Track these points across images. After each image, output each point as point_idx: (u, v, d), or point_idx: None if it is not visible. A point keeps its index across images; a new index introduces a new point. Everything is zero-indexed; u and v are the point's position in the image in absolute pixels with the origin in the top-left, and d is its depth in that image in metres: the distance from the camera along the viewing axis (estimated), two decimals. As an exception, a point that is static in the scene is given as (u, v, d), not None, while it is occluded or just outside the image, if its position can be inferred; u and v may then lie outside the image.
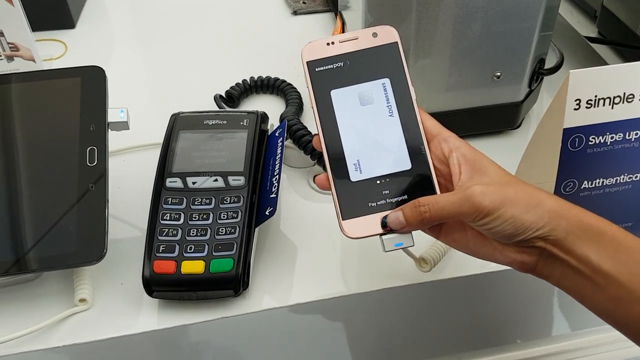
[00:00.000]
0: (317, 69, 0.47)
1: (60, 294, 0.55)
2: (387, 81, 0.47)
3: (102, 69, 0.59)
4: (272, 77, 0.75)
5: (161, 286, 0.52)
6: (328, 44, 0.47)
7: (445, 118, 0.67)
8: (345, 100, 0.46)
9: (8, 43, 0.75)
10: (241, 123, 0.59)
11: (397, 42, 0.47)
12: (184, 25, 0.92)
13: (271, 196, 0.54)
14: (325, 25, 0.88)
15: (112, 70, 0.85)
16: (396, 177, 0.46)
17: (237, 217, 0.53)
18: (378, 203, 0.45)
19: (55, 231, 0.52)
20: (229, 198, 0.54)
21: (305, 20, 0.90)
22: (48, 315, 0.52)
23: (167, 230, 0.53)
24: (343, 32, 0.75)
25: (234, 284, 0.51)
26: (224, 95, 0.74)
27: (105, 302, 0.54)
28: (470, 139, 0.69)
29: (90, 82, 0.58)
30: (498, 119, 0.70)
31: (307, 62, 0.47)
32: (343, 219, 0.45)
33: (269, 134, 0.60)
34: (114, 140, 0.67)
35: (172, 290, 0.52)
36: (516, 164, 0.60)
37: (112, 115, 0.56)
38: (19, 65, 0.76)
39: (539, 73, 0.67)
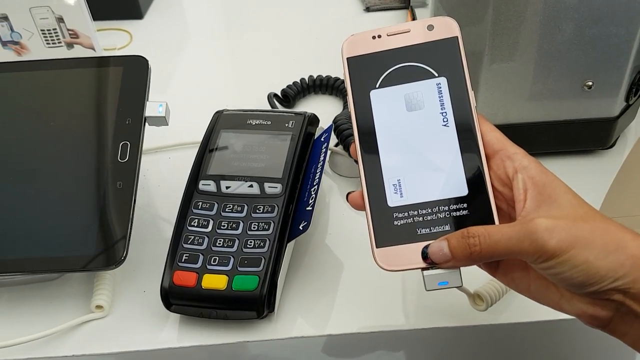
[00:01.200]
0: (358, 66, 0.40)
1: (80, 297, 0.51)
2: (443, 81, 0.39)
3: (146, 59, 0.55)
4: (333, 76, 0.69)
5: (180, 300, 0.47)
6: (374, 37, 0.40)
7: (525, 131, 0.59)
8: (387, 103, 0.39)
9: (68, 30, 0.74)
10: (286, 125, 0.53)
11: (457, 36, 0.40)
12: (255, 20, 0.87)
13: (307, 209, 0.48)
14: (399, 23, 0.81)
15: (174, 63, 0.84)
16: (446, 204, 0.38)
17: (268, 229, 0.48)
18: (421, 231, 0.37)
19: (74, 230, 0.48)
20: (262, 207, 0.49)
21: (378, 17, 0.84)
22: (63, 319, 0.49)
23: (192, 237, 0.48)
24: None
25: (257, 305, 0.45)
26: (279, 94, 0.68)
27: (124, 311, 0.50)
28: (552, 158, 0.60)
29: (133, 72, 0.54)
30: (587, 137, 0.61)
31: (347, 59, 0.41)
32: (377, 247, 0.38)
33: (315, 138, 0.54)
34: (166, 135, 0.65)
35: (191, 306, 0.47)
36: (605, 191, 0.51)
37: (150, 110, 0.52)
38: (79, 53, 0.75)
39: (638, 85, 0.57)
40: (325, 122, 0.58)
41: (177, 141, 0.64)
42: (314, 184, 0.49)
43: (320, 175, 0.49)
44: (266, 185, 0.50)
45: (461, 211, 0.37)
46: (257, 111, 0.55)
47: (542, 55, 0.55)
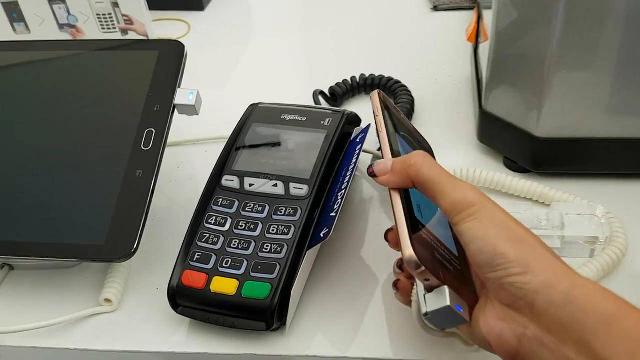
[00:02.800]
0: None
1: (94, 288, 0.49)
2: None
3: (182, 44, 0.52)
4: (386, 76, 0.64)
5: (187, 302, 0.43)
6: None
7: (594, 148, 0.52)
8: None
9: (123, 15, 0.73)
10: (322, 122, 0.49)
11: None
12: (319, 17, 0.84)
13: (331, 214, 0.43)
14: (467, 24, 0.75)
15: (231, 56, 0.82)
16: None
17: (287, 234, 0.43)
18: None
19: (86, 217, 0.46)
20: (284, 209, 0.45)
21: (446, 17, 0.78)
22: (71, 310, 0.46)
23: (208, 235, 0.45)
24: (478, 28, 0.61)
25: (266, 315, 0.41)
26: (326, 91, 0.64)
27: (134, 307, 0.47)
28: (625, 181, 0.53)
29: (168, 58, 0.52)
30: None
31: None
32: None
33: (351, 139, 0.50)
34: (207, 128, 0.62)
35: (199, 309, 0.43)
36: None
37: (180, 97, 0.50)
38: (132, 41, 0.73)
39: None
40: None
41: (215, 134, 0.61)
42: (342, 187, 0.44)
43: (350, 178, 0.45)
44: (292, 185, 0.46)
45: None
46: (293, 106, 0.51)
47: (624, 63, 0.47)
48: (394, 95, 0.62)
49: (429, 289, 0.35)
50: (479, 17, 0.65)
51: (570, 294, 0.31)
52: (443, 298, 0.34)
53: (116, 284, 0.47)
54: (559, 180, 0.53)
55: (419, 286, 0.36)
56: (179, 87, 0.50)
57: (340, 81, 0.65)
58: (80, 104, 0.51)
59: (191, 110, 0.50)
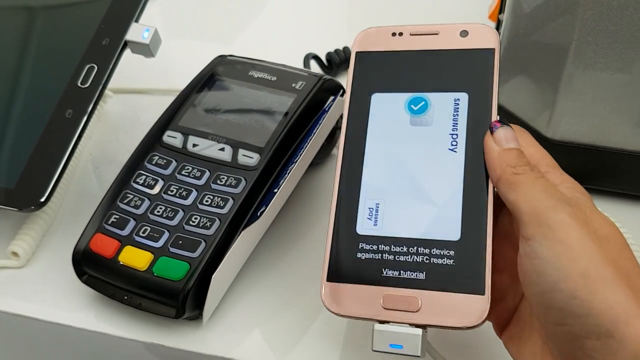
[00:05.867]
0: (367, 64, 0.33)
1: (4, 238, 0.42)
2: (463, 97, 0.31)
3: (149, -23, 0.45)
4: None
5: (93, 270, 0.36)
6: (394, 34, 0.34)
7: (615, 160, 0.43)
8: (388, 111, 0.32)
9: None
10: (293, 85, 0.42)
11: (493, 49, 0.32)
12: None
13: (274, 190, 0.36)
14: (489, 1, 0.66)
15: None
16: (428, 247, 0.29)
17: (223, 208, 0.36)
18: (387, 273, 0.29)
19: (1, 157, 0.39)
20: (226, 178, 0.37)
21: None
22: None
23: (132, 197, 0.38)
24: (502, 6, 0.53)
25: (177, 300, 0.34)
26: (322, 57, 0.56)
27: (45, 267, 0.41)
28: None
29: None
30: None
31: (357, 53, 0.34)
32: (327, 279, 0.29)
33: (324, 108, 0.42)
34: (169, 76, 0.55)
35: (104, 282, 0.36)
36: None
37: (134, 33, 0.42)
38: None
39: None
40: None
41: (177, 87, 0.54)
42: (294, 160, 0.37)
43: (304, 151, 0.37)
44: (241, 152, 0.38)
45: (444, 259, 0.28)
46: (266, 63, 0.44)
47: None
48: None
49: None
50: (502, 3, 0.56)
51: None
52: (413, 346, 0.27)
53: (28, 237, 0.41)
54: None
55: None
56: (136, 21, 0.43)
57: (340, 48, 0.57)
58: (22, 30, 0.44)
59: (145, 50, 0.43)
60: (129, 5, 0.43)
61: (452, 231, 0.29)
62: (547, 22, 0.41)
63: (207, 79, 0.43)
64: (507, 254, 0.29)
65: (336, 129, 0.43)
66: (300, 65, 0.55)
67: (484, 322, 0.27)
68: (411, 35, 0.33)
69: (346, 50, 0.57)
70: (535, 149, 0.30)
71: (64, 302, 0.39)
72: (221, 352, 0.36)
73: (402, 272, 0.28)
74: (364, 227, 0.30)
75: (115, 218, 0.37)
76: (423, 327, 0.27)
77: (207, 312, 0.36)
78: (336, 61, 0.56)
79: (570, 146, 0.43)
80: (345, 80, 0.42)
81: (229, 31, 0.65)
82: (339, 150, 0.32)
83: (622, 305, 0.23)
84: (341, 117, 0.34)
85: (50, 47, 0.43)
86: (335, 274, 0.29)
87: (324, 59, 0.57)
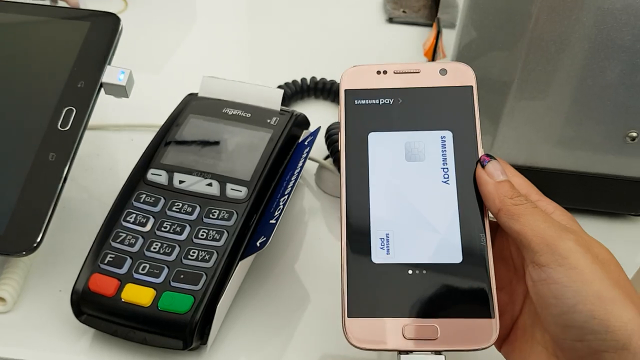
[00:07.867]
0: (356, 102, 0.35)
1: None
2: (448, 135, 0.34)
3: (118, 17, 0.46)
4: (337, 82, 0.60)
5: (93, 310, 0.37)
6: (379, 72, 0.36)
7: (548, 178, 0.50)
8: (386, 148, 0.34)
9: (54, -16, 0.66)
10: (268, 121, 0.45)
11: (472, 86, 0.35)
12: (268, 11, 0.79)
13: (270, 221, 0.38)
14: (422, 39, 0.73)
15: (170, 39, 0.75)
16: (436, 272, 0.31)
17: (219, 240, 0.38)
18: (403, 304, 0.31)
19: (-16, 202, 0.39)
20: (217, 212, 0.40)
21: (400, 30, 0.75)
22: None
23: (124, 235, 0.39)
24: (436, 43, 0.59)
25: (184, 333, 0.36)
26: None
27: (32, 310, 0.41)
28: (577, 216, 0.50)
29: (100, 30, 0.46)
30: (621, 197, 0.51)
31: (345, 90, 0.35)
32: (349, 316, 0.31)
33: (299, 142, 0.45)
34: (137, 113, 0.56)
35: (106, 320, 0.37)
36: (637, 265, 0.42)
37: (109, 75, 0.44)
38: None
39: (694, 144, 0.48)
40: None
41: (146, 122, 0.55)
42: (285, 193, 0.40)
43: (294, 184, 0.40)
44: (229, 186, 0.41)
45: (453, 282, 0.31)
46: (234, 101, 0.46)
47: (580, 95, 0.46)
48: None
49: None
50: (438, 33, 0.62)
51: None
52: None
53: (13, 282, 0.40)
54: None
55: None
56: (109, 64, 0.44)
57: (290, 81, 0.60)
58: (-9, 71, 0.44)
59: (121, 91, 0.44)
60: (100, 48, 0.44)
61: (454, 255, 0.31)
62: (488, 58, 0.47)
63: (183, 117, 0.45)
64: (503, 274, 0.33)
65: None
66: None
67: (496, 341, 0.30)
68: (395, 73, 0.35)
69: (296, 83, 0.60)
70: (520, 178, 0.33)
71: (58, 343, 0.39)
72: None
73: (415, 300, 0.30)
74: (377, 256, 0.32)
75: (111, 257, 0.38)
76: (442, 352, 0.30)
77: (210, 341, 0.38)
78: (288, 94, 0.59)
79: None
80: (300, 110, 0.47)
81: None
82: (341, 185, 0.33)
83: (634, 322, 0.26)
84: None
85: (25, 91, 0.43)
86: (356, 309, 0.31)
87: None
